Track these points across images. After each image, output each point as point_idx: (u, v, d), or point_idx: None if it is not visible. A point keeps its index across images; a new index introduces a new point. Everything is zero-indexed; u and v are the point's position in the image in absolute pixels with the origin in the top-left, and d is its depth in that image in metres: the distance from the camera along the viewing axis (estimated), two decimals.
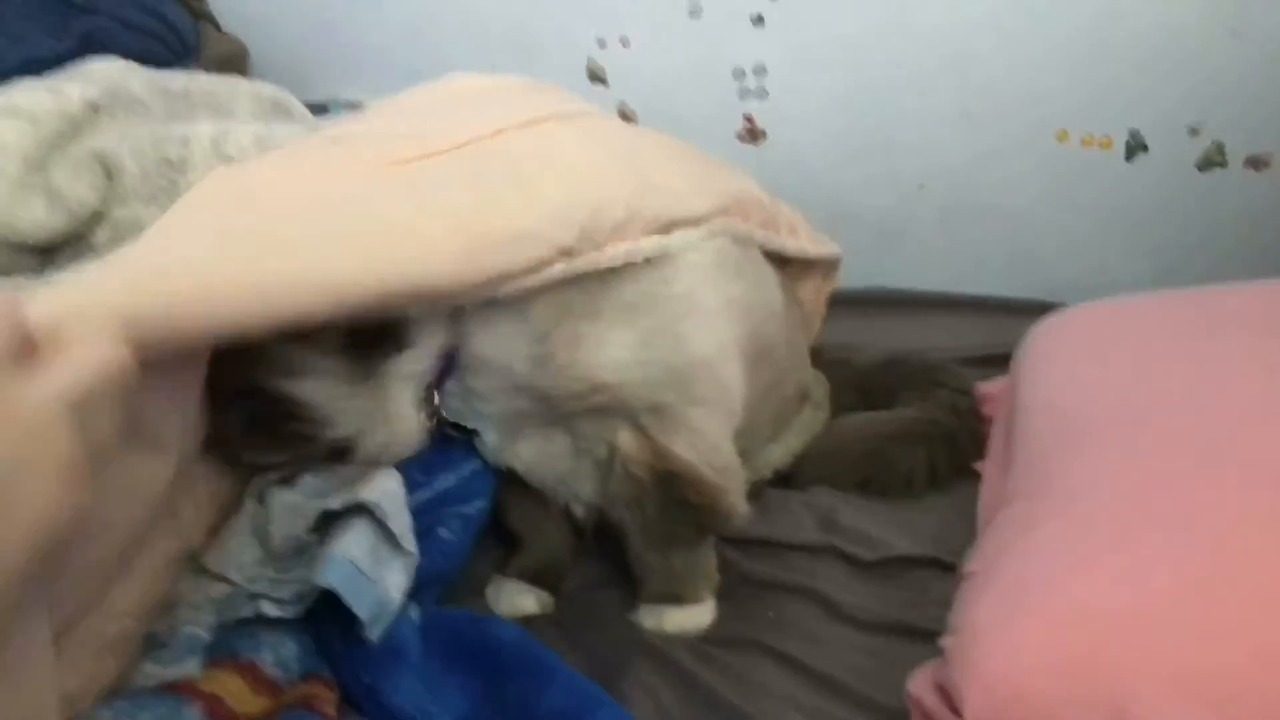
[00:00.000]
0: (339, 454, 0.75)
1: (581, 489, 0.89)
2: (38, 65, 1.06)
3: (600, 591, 0.98)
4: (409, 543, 0.74)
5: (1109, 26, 1.43)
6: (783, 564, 0.99)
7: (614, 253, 0.75)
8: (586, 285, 0.75)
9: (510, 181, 0.73)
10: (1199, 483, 0.75)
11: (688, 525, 0.86)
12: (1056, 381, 1.02)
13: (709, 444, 0.83)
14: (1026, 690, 0.67)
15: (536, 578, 0.95)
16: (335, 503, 0.72)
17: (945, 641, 0.75)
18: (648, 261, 0.78)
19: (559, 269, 0.71)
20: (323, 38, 1.77)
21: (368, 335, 0.71)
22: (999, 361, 1.30)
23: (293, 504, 0.72)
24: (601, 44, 1.66)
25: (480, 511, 0.89)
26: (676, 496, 0.82)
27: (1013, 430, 1.03)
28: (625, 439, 0.81)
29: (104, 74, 1.07)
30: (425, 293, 0.65)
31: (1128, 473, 0.78)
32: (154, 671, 0.68)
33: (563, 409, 0.79)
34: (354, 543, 0.70)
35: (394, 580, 0.72)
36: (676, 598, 0.92)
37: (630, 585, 0.96)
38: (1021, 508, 0.83)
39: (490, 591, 0.95)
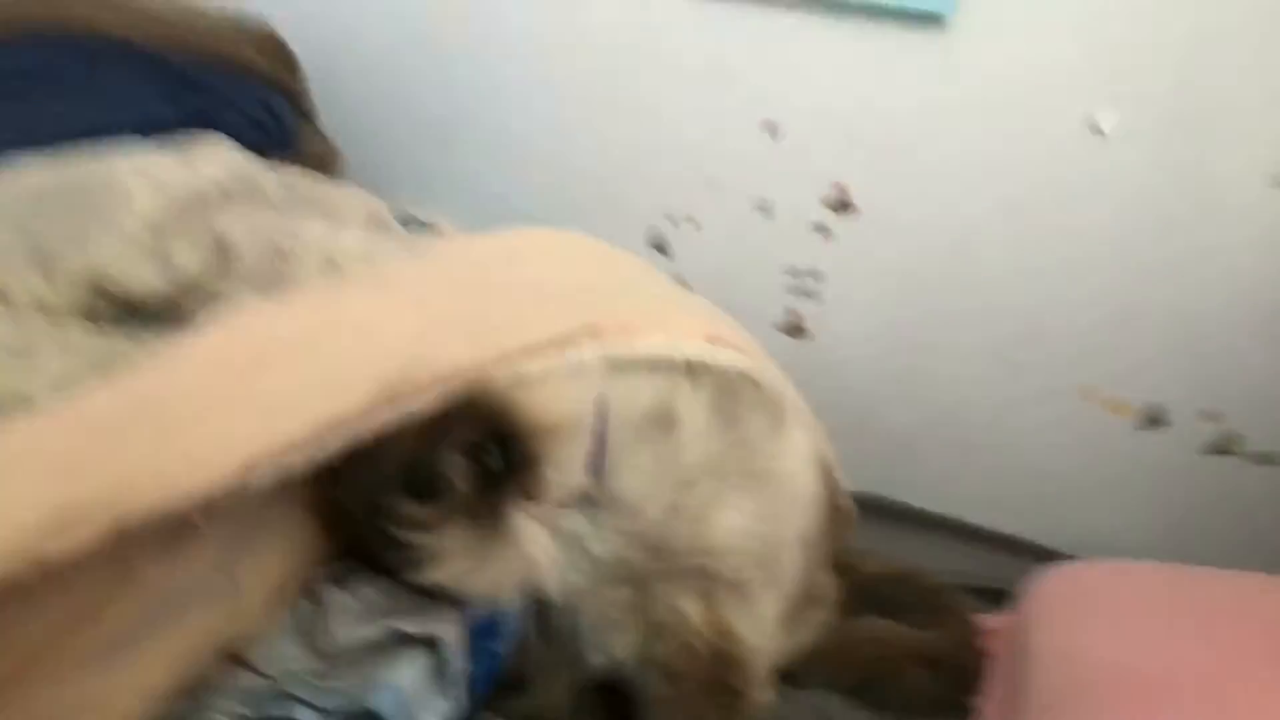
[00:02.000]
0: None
1: (619, 645, 0.88)
2: (150, 127, 1.13)
3: None
4: (460, 690, 0.74)
5: (1138, 296, 1.52)
6: None
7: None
8: (737, 445, 0.79)
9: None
10: None
11: (716, 707, 0.87)
12: (1073, 636, 1.04)
13: (767, 630, 0.85)
14: None
15: None
16: (410, 628, 0.73)
17: None
18: (772, 430, 0.81)
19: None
20: (412, 161, 1.86)
21: (495, 478, 0.72)
22: (996, 596, 1.33)
23: (352, 610, 0.73)
24: (672, 220, 1.75)
25: (503, 651, 0.90)
26: (718, 676, 0.84)
27: (1023, 677, 1.05)
28: (694, 609, 0.83)
29: (230, 159, 1.14)
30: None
31: None
32: None
33: (658, 565, 0.81)
34: (408, 674, 0.71)
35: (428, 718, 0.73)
36: None
37: None
38: None
39: None
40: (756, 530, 0.82)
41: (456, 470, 0.71)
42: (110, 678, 0.64)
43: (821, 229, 1.67)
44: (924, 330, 1.65)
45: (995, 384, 1.63)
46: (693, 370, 0.80)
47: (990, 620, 1.26)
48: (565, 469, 0.73)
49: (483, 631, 0.89)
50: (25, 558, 0.55)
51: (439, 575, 0.72)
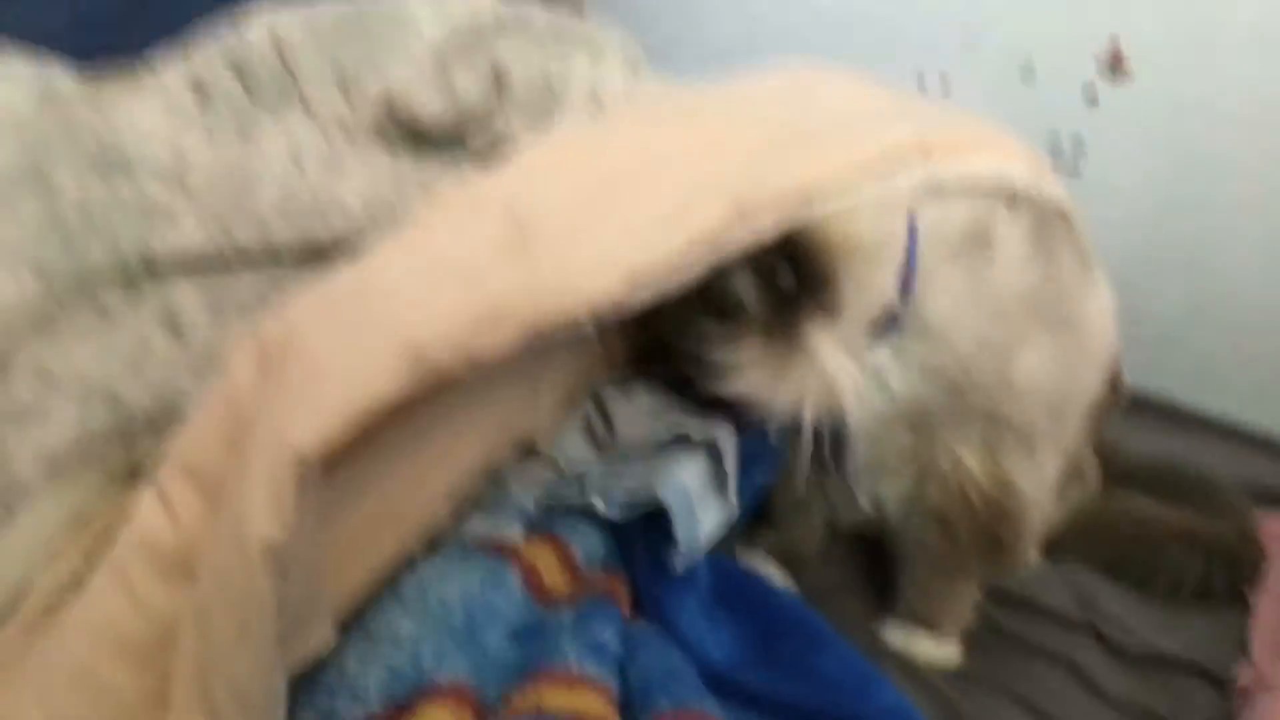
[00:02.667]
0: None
1: (893, 490, 0.86)
2: None
3: (837, 594, 0.97)
4: (733, 494, 0.75)
5: None
6: (1038, 628, 0.96)
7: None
8: (1051, 281, 0.75)
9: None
10: None
11: (984, 560, 0.85)
12: None
13: (1047, 484, 0.82)
14: None
15: (784, 560, 0.96)
16: (694, 431, 0.74)
17: None
18: (1081, 273, 0.77)
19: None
20: (654, 26, 1.84)
21: (788, 296, 0.70)
22: (1271, 501, 1.23)
23: (635, 413, 0.75)
24: (921, 79, 1.66)
25: (764, 482, 0.90)
26: (990, 528, 0.81)
27: None
28: (973, 458, 0.80)
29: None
30: None
31: None
32: (481, 525, 0.72)
33: (953, 405, 0.78)
34: (692, 473, 0.72)
35: (708, 523, 0.74)
36: (931, 625, 0.90)
37: (867, 595, 0.96)
38: None
39: (740, 560, 0.96)
40: (1056, 376, 0.78)
41: (747, 288, 0.70)
42: (430, 455, 0.68)
43: (1089, 95, 1.54)
44: (1199, 217, 1.50)
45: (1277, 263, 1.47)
46: (1013, 195, 0.75)
47: (1270, 521, 1.17)
48: (870, 289, 0.70)
49: (747, 461, 0.89)
50: (460, 351, 0.59)
51: (739, 386, 0.71)
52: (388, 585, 0.66)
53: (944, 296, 0.72)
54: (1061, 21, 1.53)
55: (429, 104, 1.01)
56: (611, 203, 0.69)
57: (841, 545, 1.01)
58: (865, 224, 0.70)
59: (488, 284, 0.63)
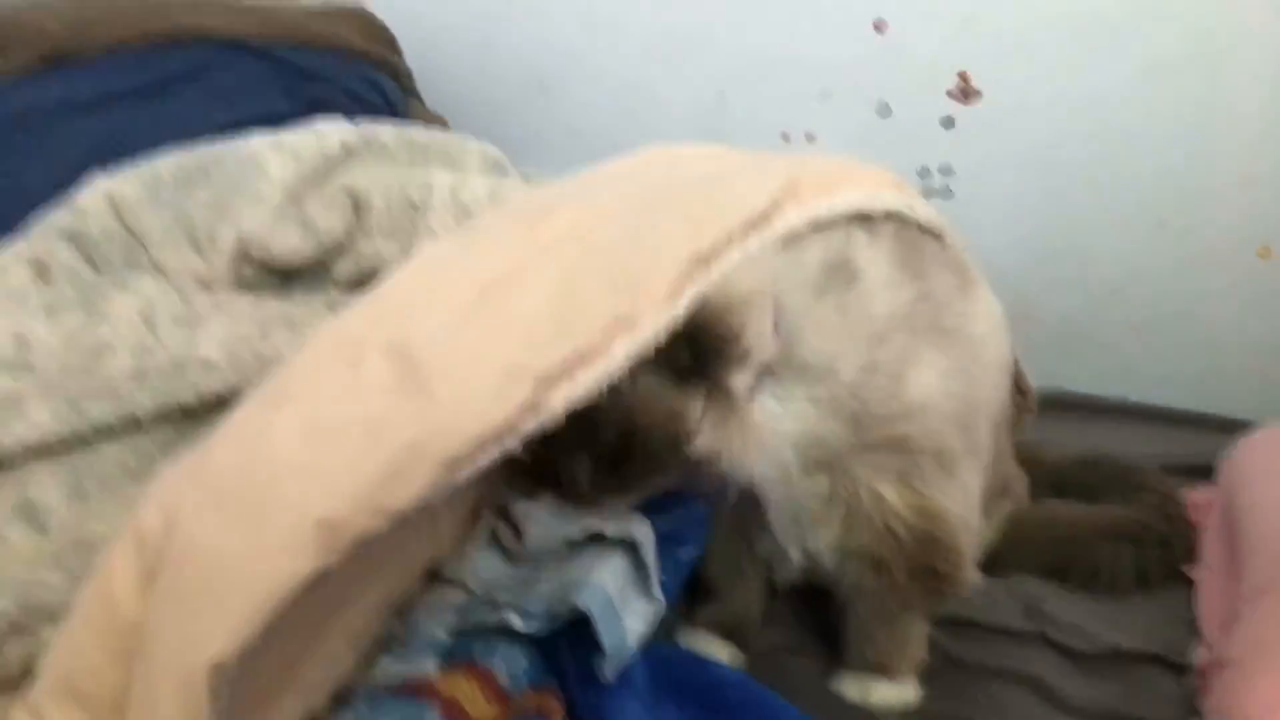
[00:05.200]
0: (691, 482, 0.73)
1: (823, 540, 0.84)
2: (272, 121, 1.14)
3: (786, 657, 0.95)
4: (658, 590, 0.73)
5: None
6: (989, 648, 0.94)
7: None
8: (924, 298, 0.75)
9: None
10: None
11: (924, 593, 0.83)
12: None
13: (973, 503, 0.81)
14: None
15: (728, 632, 0.93)
16: (609, 530, 0.71)
17: None
18: (960, 291, 0.78)
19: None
20: (514, 118, 1.86)
21: (706, 352, 0.67)
22: (1192, 472, 1.25)
23: (543, 518, 0.73)
24: (786, 138, 1.71)
25: (692, 559, 0.88)
26: (925, 559, 0.80)
27: (1239, 534, 0.98)
28: (891, 491, 0.79)
29: (349, 125, 1.15)
30: None
31: None
32: (392, 668, 0.68)
33: (856, 438, 0.77)
34: (610, 573, 0.70)
35: (633, 624, 0.71)
36: (885, 670, 0.88)
37: (816, 653, 0.94)
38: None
39: (680, 641, 0.93)
40: (954, 389, 0.77)
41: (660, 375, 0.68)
42: (328, 602, 0.65)
43: (946, 121, 1.59)
44: (1073, 207, 1.56)
45: (1161, 254, 1.53)
46: (868, 222, 0.76)
47: (1194, 495, 1.18)
48: (762, 337, 0.69)
49: (670, 539, 0.87)
50: (376, 512, 0.55)
51: (701, 450, 0.68)
52: None
53: (817, 333, 0.72)
54: (909, 57, 1.58)
55: (286, 242, 0.99)
56: (497, 312, 0.67)
57: (784, 605, 0.99)
58: (748, 274, 0.69)
59: (389, 432, 0.59)
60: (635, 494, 0.73)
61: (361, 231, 1.03)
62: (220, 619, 0.52)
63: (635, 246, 0.69)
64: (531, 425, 0.59)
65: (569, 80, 1.82)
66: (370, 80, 1.64)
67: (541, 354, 0.61)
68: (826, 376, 0.71)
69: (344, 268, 1.03)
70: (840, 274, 0.73)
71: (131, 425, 0.82)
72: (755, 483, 0.75)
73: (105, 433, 0.81)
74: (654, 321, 0.62)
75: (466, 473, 0.58)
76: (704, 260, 0.66)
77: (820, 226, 0.73)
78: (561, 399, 0.59)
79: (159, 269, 0.95)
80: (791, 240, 0.71)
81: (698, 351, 0.66)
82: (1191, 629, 0.95)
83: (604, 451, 0.68)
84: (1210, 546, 1.06)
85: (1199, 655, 0.89)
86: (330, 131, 1.09)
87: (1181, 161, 1.48)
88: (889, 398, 0.74)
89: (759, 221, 0.70)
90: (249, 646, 0.52)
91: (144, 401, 0.82)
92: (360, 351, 0.67)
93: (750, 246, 0.68)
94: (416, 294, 0.74)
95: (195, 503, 0.59)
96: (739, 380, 0.68)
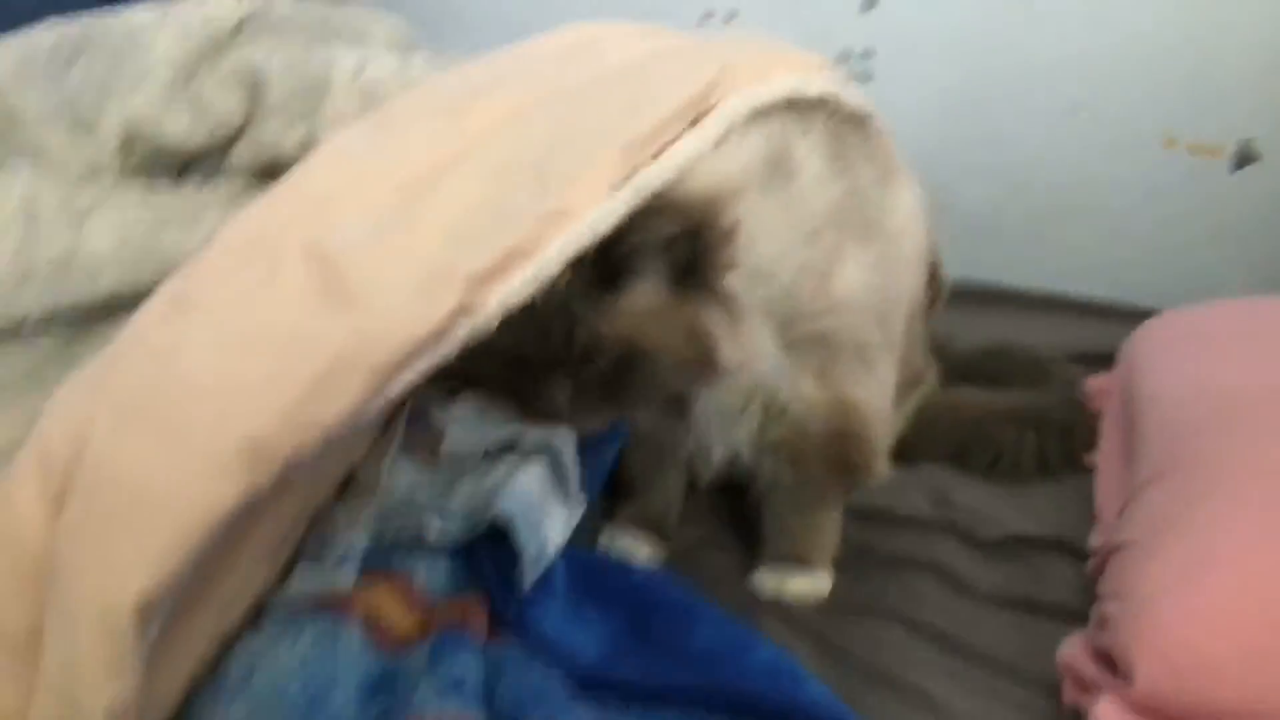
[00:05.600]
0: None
1: (738, 434, 0.85)
2: None
3: (707, 551, 0.97)
4: (579, 495, 0.72)
5: (1226, 34, 1.41)
6: (899, 537, 0.97)
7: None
8: (851, 193, 0.74)
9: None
10: None
11: (838, 484, 0.85)
12: (1185, 372, 1.01)
13: (887, 394, 0.82)
14: (1208, 654, 0.66)
15: (649, 527, 0.94)
16: (529, 438, 0.70)
17: (1109, 609, 0.74)
18: (881, 183, 0.77)
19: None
20: None
21: (705, 255, 0.65)
22: (1097, 360, 1.29)
23: (467, 422, 0.71)
24: (709, 15, 1.65)
25: (613, 456, 0.88)
26: (841, 452, 0.81)
27: (1135, 420, 1.02)
28: (811, 386, 0.79)
29: None
30: None
31: None
32: (310, 580, 0.67)
33: (783, 336, 0.76)
34: (530, 480, 0.69)
35: (554, 529, 0.71)
36: (801, 561, 0.90)
37: (735, 547, 0.96)
38: (1177, 483, 0.82)
39: (603, 538, 0.93)
40: (874, 283, 0.77)
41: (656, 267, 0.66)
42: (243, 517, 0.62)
43: (867, 2, 1.56)
44: (988, 95, 1.56)
45: (1071, 144, 1.55)
46: (800, 110, 0.74)
47: (1095, 381, 1.22)
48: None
49: (593, 440, 0.87)
50: (308, 428, 0.53)
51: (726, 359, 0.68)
52: (212, 675, 0.61)
53: (765, 234, 0.70)
54: None
55: (177, 125, 0.92)
56: (422, 210, 0.63)
57: (703, 501, 1.00)
58: (715, 167, 0.67)
59: (314, 342, 0.56)
60: (626, 413, 0.71)
61: (259, 114, 0.96)
62: (143, 551, 0.50)
63: (566, 138, 0.66)
64: (465, 330, 0.57)
65: None
66: None
67: (471, 253, 0.59)
68: (769, 280, 0.69)
69: (242, 154, 0.96)
70: (781, 169, 0.71)
71: (14, 328, 0.77)
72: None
73: None
74: (592, 216, 0.60)
75: (400, 382, 0.56)
76: (639, 147, 0.64)
77: (757, 114, 0.70)
78: (496, 300, 0.58)
79: (39, 155, 0.87)
80: (732, 130, 0.69)
81: (696, 255, 0.64)
82: (1091, 514, 0.99)
83: (592, 374, 0.66)
84: (1109, 433, 1.10)
85: (1094, 538, 0.93)
86: (222, 3, 1.01)
87: (1094, 46, 1.48)
88: (816, 296, 0.74)
89: (693, 107, 0.67)
90: (177, 580, 0.50)
91: (30, 302, 0.77)
92: (275, 255, 0.63)
93: (691, 136, 0.66)
94: (332, 190, 0.70)
95: (106, 423, 0.55)
96: (735, 282, 0.67)
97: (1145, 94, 1.49)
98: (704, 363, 0.67)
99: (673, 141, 0.66)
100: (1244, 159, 1.48)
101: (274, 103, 0.96)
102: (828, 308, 0.74)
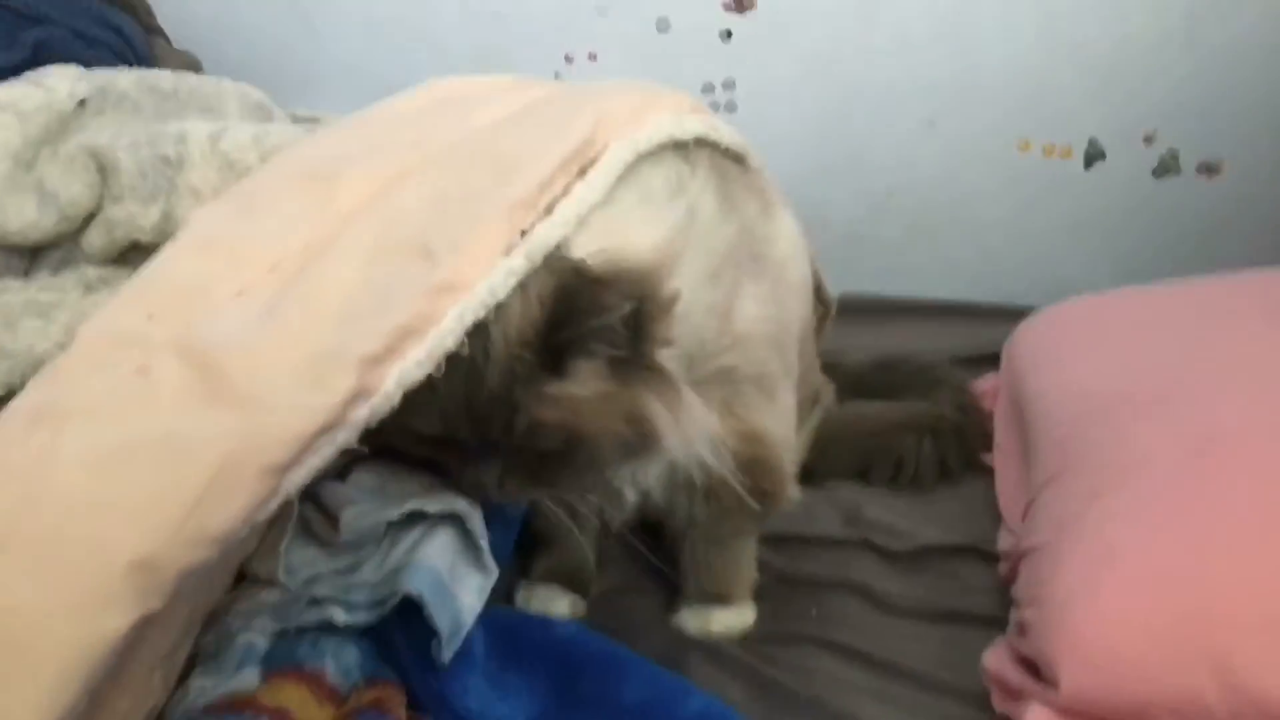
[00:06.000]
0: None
1: (649, 476, 0.83)
2: None
3: (626, 597, 0.96)
4: (489, 560, 0.69)
5: (1063, 35, 1.48)
6: (815, 559, 0.98)
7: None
8: (742, 230, 0.73)
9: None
10: (1254, 440, 0.77)
11: (752, 514, 0.84)
12: (1069, 369, 1.04)
13: (790, 420, 0.82)
14: (1125, 651, 0.67)
15: (567, 580, 0.92)
16: (432, 507, 0.67)
17: (1025, 614, 0.75)
18: (763, 215, 0.77)
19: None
20: (276, 54, 1.71)
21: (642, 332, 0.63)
22: (978, 362, 1.33)
23: (361, 500, 0.68)
24: (569, 59, 1.65)
25: (520, 514, 0.86)
26: (750, 482, 0.80)
27: (1026, 420, 1.05)
28: (716, 420, 0.78)
29: (82, 73, 1.01)
30: None
31: (1179, 439, 0.80)
32: (210, 687, 0.62)
33: (689, 374, 0.75)
34: (438, 552, 0.66)
35: (467, 599, 0.68)
36: (722, 598, 0.90)
37: (654, 590, 0.94)
38: (1072, 483, 0.84)
39: (520, 596, 0.91)
40: (769, 314, 0.78)
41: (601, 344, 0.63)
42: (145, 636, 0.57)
43: (725, 35, 1.58)
44: (849, 115, 1.60)
45: (932, 156, 1.60)
46: (687, 154, 0.73)
47: (982, 383, 1.26)
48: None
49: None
50: (203, 538, 0.50)
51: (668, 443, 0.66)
52: None
53: (680, 277, 0.67)
54: None
55: (22, 216, 0.87)
56: (303, 294, 0.61)
57: (619, 547, 0.98)
58: (643, 230, 0.66)
59: (200, 448, 0.53)
60: (557, 492, 0.70)
61: (110, 196, 0.92)
62: (29, 693, 0.46)
63: (445, 208, 0.65)
64: (365, 412, 0.55)
65: (333, 12, 1.69)
66: (102, 19, 1.46)
67: (362, 335, 0.57)
68: (682, 323, 0.68)
69: (95, 239, 0.91)
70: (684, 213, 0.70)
71: None
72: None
73: None
74: (486, 283, 0.58)
75: (296, 478, 0.53)
76: (525, 207, 0.63)
77: (643, 159, 0.70)
78: (394, 379, 0.56)
79: None
80: (623, 178, 0.68)
81: (636, 331, 0.62)
82: (997, 517, 1.01)
83: (527, 457, 0.64)
84: (1002, 432, 1.13)
85: (1003, 542, 0.95)
86: (59, 83, 0.96)
87: (946, 62, 1.54)
88: (721, 334, 0.74)
89: (576, 159, 0.67)
90: (74, 714, 0.46)
91: None
92: (145, 354, 0.60)
93: (581, 188, 0.65)
94: (199, 278, 0.66)
95: None
96: (669, 357, 0.65)
97: (998, 102, 1.55)
98: (645, 445, 0.66)
99: (561, 196, 0.64)
100: (1092, 158, 1.56)
101: (126, 182, 0.92)
102: (730, 344, 0.74)
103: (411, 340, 0.57)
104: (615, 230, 0.65)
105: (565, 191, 0.65)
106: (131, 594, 0.48)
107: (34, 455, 0.55)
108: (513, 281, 0.60)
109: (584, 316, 0.60)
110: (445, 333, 0.57)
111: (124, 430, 0.55)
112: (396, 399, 0.57)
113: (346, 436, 0.55)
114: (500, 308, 0.60)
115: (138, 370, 0.58)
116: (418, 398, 0.59)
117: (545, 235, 0.62)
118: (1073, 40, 1.48)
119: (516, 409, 0.61)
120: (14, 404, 0.59)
